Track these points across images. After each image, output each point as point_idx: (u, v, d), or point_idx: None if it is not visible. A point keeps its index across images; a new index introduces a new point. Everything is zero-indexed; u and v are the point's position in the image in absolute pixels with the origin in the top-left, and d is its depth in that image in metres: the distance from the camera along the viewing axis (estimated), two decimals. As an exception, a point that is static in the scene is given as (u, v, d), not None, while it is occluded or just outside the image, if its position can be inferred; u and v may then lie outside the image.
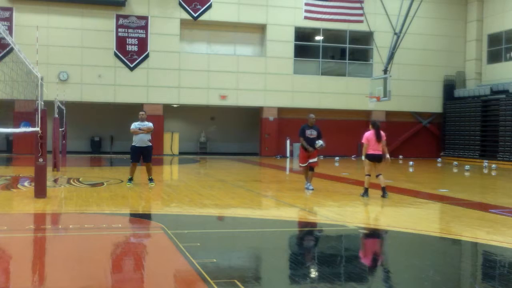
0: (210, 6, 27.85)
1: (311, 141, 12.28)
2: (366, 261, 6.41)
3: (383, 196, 11.13)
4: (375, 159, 11.22)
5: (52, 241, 6.87)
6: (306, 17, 28.14)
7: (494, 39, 29.62)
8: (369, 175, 11.31)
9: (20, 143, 25.42)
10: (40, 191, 10.09)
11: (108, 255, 6.14)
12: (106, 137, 30.14)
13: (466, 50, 31.00)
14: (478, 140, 28.04)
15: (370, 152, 11.17)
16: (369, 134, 11.21)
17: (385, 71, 25.14)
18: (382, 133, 11.30)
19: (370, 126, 11.37)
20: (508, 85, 26.66)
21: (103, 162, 23.36)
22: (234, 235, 7.58)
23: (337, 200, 11.18)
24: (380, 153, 11.20)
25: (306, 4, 28.00)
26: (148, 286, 4.94)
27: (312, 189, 12.44)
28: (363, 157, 11.36)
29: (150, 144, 12.64)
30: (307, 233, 7.93)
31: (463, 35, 31.02)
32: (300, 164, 12.84)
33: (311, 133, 12.35)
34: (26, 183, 12.78)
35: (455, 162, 25.65)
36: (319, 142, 12.20)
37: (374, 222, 8.44)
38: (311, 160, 12.47)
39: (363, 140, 11.23)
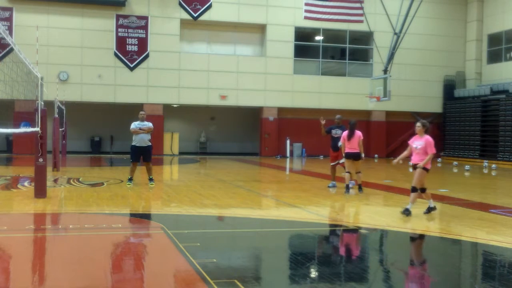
0: (210, 6, 27.84)
1: (336, 141, 12.60)
2: (366, 261, 6.40)
3: (359, 191, 11.75)
4: (350, 157, 11.77)
5: (52, 241, 6.87)
6: (306, 17, 28.15)
7: (494, 39, 29.62)
8: (349, 172, 11.88)
9: (20, 143, 25.41)
10: (40, 191, 10.09)
11: (108, 255, 6.14)
12: (106, 137, 30.13)
13: (466, 50, 30.99)
14: (478, 140, 28.03)
15: (346, 150, 11.78)
16: (344, 134, 11.85)
17: (385, 71, 25.14)
18: (357, 132, 11.84)
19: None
20: (508, 85, 26.66)
21: (103, 162, 23.35)
22: (234, 235, 7.58)
23: (337, 200, 11.19)
24: (355, 151, 11.74)
25: (306, 4, 28.01)
26: (148, 286, 4.94)
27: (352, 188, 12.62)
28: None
29: (150, 144, 12.65)
30: (307, 233, 7.93)
31: (463, 35, 31.02)
32: (331, 164, 13.22)
33: (336, 132, 12.72)
34: (26, 183, 12.78)
35: (455, 162, 25.64)
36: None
37: (374, 222, 8.45)
38: (341, 161, 12.73)
39: (341, 140, 11.95)
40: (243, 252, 6.50)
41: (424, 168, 8.77)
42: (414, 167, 8.95)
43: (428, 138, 8.82)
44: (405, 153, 9.38)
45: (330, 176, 13.33)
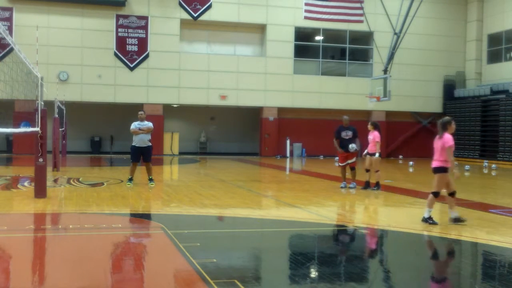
0: (210, 6, 27.84)
1: (346, 142, 12.69)
2: (366, 261, 6.40)
3: (365, 188, 12.48)
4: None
5: (52, 241, 6.87)
6: (306, 17, 28.13)
7: (494, 39, 29.62)
8: (368, 170, 12.57)
9: (20, 143, 25.41)
10: (40, 191, 10.09)
11: (108, 255, 6.14)
12: (106, 137, 30.12)
13: (466, 50, 30.99)
14: (478, 140, 28.03)
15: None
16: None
17: (385, 71, 25.15)
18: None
19: (371, 127, 12.13)
20: (508, 85, 26.66)
21: (103, 162, 23.35)
22: (234, 235, 7.58)
23: (337, 200, 11.19)
24: (372, 152, 12.45)
25: (306, 4, 28.00)
26: (148, 286, 4.94)
27: (354, 187, 12.75)
28: (377, 155, 12.34)
29: (150, 144, 12.64)
30: (307, 233, 7.93)
31: (463, 35, 31.02)
32: (339, 164, 13.30)
33: (346, 133, 12.79)
34: (26, 183, 12.78)
35: (455, 162, 25.57)
36: (353, 147, 12.63)
37: (374, 222, 8.44)
38: (349, 161, 12.81)
39: (377, 139, 12.36)
40: (243, 252, 6.50)
41: None
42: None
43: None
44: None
45: (340, 178, 13.32)
